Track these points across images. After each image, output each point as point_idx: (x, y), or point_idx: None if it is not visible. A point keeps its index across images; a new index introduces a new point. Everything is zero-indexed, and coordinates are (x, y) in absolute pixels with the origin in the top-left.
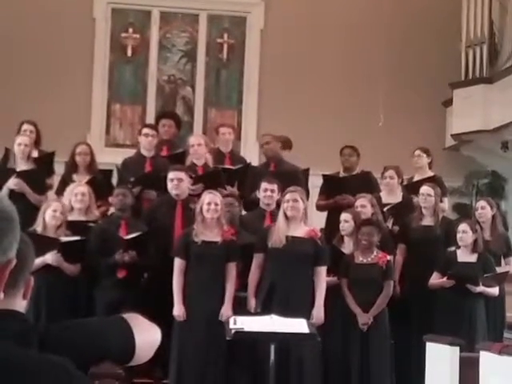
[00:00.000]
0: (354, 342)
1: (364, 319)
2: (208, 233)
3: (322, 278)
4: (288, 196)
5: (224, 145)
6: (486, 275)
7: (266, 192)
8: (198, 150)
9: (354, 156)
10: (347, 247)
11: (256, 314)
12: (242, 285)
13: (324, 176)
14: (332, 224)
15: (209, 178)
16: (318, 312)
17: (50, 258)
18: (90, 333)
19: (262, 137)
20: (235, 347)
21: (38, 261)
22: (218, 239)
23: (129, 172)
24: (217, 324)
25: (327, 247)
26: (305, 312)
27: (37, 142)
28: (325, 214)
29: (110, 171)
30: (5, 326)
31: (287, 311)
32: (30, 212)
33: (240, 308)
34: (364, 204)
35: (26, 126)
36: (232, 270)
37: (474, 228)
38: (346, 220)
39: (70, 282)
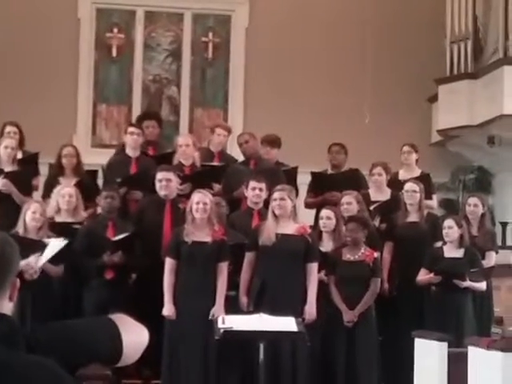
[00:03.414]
0: (341, 340)
1: (349, 316)
2: (198, 233)
3: (314, 275)
4: (276, 195)
5: (216, 145)
6: (472, 270)
7: (255, 191)
8: (186, 150)
9: (341, 153)
10: (326, 245)
11: (248, 312)
12: (232, 284)
13: (312, 173)
14: None
15: (196, 178)
16: (311, 308)
17: (33, 260)
18: (78, 334)
19: (240, 136)
20: (225, 346)
21: (22, 263)
22: (209, 239)
23: (114, 173)
24: (208, 323)
25: (317, 244)
26: (297, 309)
27: (21, 143)
28: (313, 211)
29: (95, 171)
30: None
31: (279, 308)
32: (16, 213)
33: (230, 307)
34: (350, 201)
35: (9, 128)
36: (223, 269)
37: (460, 223)
38: (328, 217)
39: (58, 284)
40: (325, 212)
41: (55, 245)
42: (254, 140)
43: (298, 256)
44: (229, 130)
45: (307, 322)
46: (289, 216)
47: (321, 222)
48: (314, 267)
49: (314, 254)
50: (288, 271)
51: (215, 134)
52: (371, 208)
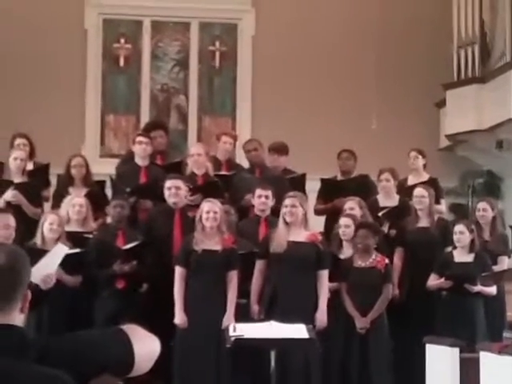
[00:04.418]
0: (354, 346)
1: (362, 323)
2: (208, 241)
3: (325, 282)
4: (287, 201)
5: (223, 153)
6: (483, 274)
7: (261, 198)
8: (199, 159)
9: (351, 160)
10: (346, 252)
11: (260, 320)
12: (241, 292)
13: (322, 180)
14: (331, 228)
15: (207, 189)
16: (322, 315)
17: (44, 268)
18: (89, 345)
19: (248, 142)
20: (237, 355)
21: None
22: (219, 248)
23: (124, 182)
24: (219, 332)
25: (328, 251)
26: (308, 316)
27: (31, 154)
28: (323, 218)
29: (103, 182)
30: (3, 340)
31: (291, 316)
32: (26, 225)
33: (241, 315)
34: (352, 206)
35: (18, 141)
36: (233, 278)
37: (471, 228)
38: (347, 225)
39: (71, 294)
40: (343, 220)
41: (57, 252)
42: (261, 148)
43: (310, 263)
44: (235, 138)
45: (318, 329)
46: (300, 223)
47: (340, 231)
48: (324, 274)
49: (325, 262)
50: (299, 278)
51: (221, 141)
52: (380, 214)
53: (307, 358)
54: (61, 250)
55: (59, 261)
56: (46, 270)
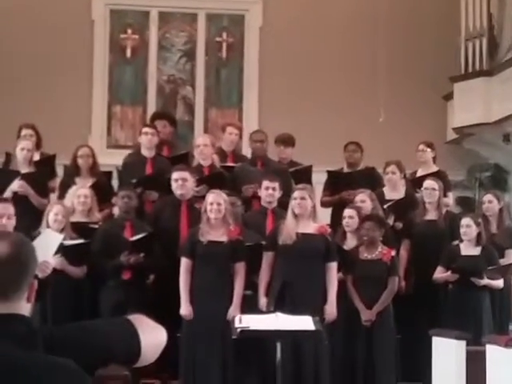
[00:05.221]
0: (359, 339)
1: (367, 315)
2: (214, 232)
3: (334, 274)
4: (296, 194)
5: (228, 144)
6: (489, 268)
7: (268, 190)
8: (204, 150)
9: (358, 152)
10: (350, 243)
11: (269, 312)
12: (247, 283)
13: (328, 172)
14: (337, 220)
15: (213, 180)
16: (331, 307)
17: (54, 261)
18: (95, 335)
19: (256, 133)
20: (243, 346)
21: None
22: (224, 239)
23: (130, 173)
24: (225, 323)
25: (336, 243)
26: (317, 308)
27: (38, 145)
28: (329, 210)
29: (110, 173)
30: (10, 329)
31: (301, 308)
32: (33, 215)
33: (247, 306)
34: (364, 199)
35: (25, 131)
36: (240, 269)
37: (477, 221)
38: (350, 216)
39: (76, 284)
40: (347, 211)
41: (50, 238)
42: (267, 141)
43: (319, 255)
44: (240, 129)
45: (328, 322)
46: (308, 215)
47: (344, 222)
48: (333, 266)
49: (334, 254)
50: (309, 270)
51: (226, 132)
52: (385, 206)
53: (315, 350)
54: (54, 237)
55: (55, 248)
56: (40, 256)
